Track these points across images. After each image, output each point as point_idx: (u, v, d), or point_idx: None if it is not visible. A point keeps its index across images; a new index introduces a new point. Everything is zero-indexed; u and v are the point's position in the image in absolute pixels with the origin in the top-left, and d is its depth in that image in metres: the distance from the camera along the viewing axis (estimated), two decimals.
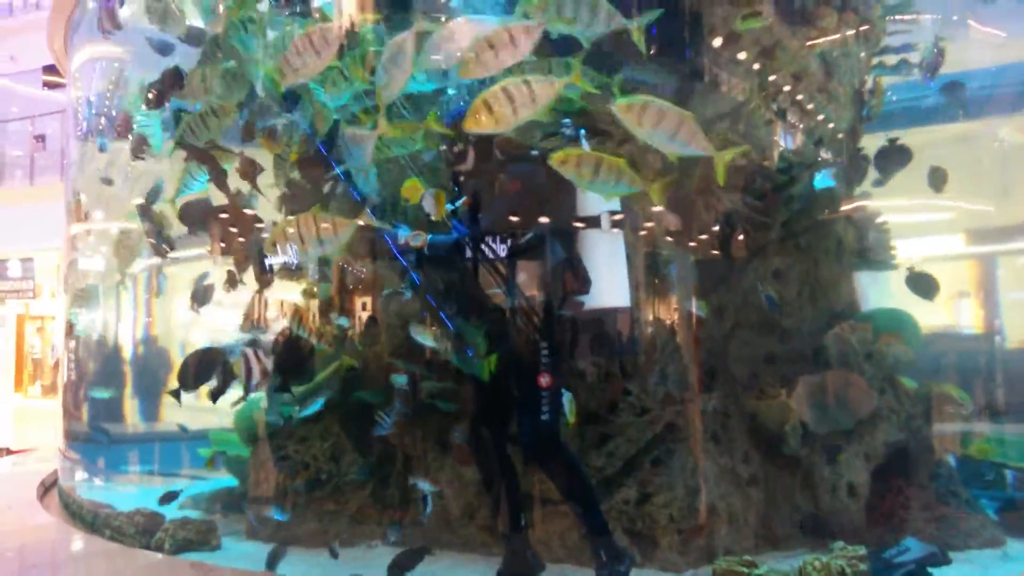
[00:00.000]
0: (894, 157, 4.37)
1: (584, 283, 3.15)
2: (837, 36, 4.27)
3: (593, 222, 3.15)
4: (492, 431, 3.27)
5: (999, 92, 4.76)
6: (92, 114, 5.43)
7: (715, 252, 4.07)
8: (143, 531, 3.85)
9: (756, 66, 4.14)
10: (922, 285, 4.15)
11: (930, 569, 3.04)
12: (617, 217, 3.19)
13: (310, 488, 3.89)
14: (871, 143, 4.52)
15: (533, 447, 3.17)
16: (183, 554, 3.65)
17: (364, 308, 4.25)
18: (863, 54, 4.45)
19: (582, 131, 3.36)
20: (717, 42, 4.08)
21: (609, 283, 3.19)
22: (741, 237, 4.00)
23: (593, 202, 3.17)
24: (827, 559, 2.91)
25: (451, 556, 3.59)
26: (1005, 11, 4.71)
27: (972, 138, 4.82)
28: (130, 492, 4.44)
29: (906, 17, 4.64)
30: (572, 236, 3.21)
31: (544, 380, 3.06)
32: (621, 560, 3.06)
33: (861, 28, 4.31)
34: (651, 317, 3.84)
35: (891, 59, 4.53)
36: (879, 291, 4.37)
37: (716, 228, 4.03)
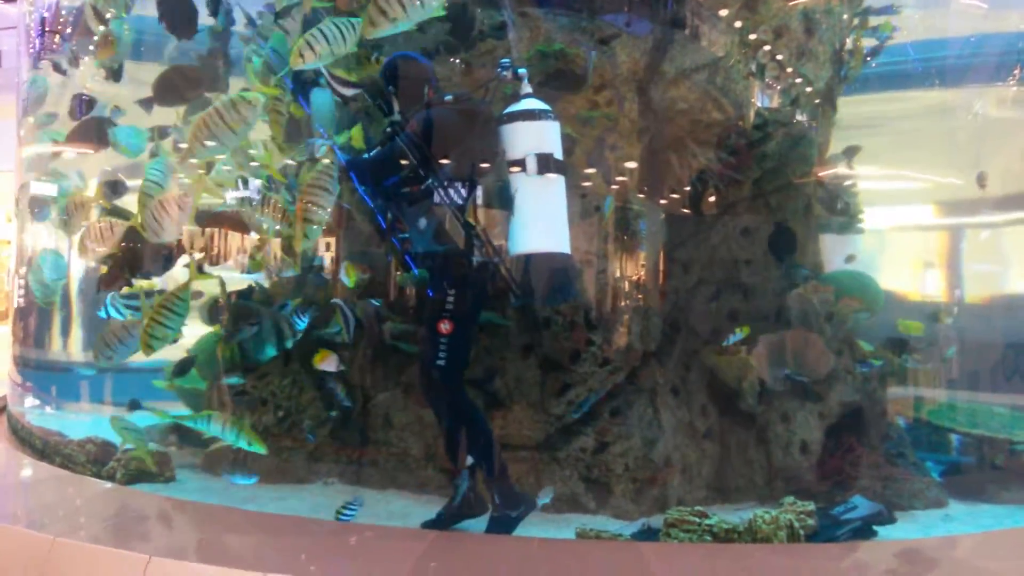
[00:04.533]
0: None
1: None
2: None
3: (518, 165, 3.11)
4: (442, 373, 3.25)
5: (977, 62, 4.76)
6: (45, 32, 5.19)
7: (685, 208, 4.07)
8: (94, 460, 3.80)
9: (737, 21, 4.08)
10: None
11: (875, 527, 3.11)
12: (549, 159, 3.11)
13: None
14: (846, 106, 4.52)
15: (427, 391, 3.21)
16: (135, 485, 3.61)
17: (328, 248, 4.19)
18: (845, 15, 4.41)
19: (521, 71, 3.29)
20: None
21: (537, 228, 3.14)
22: (712, 196, 3.99)
23: (521, 144, 3.13)
24: (777, 513, 2.96)
25: (408, 496, 3.60)
26: None
27: (947, 109, 4.83)
28: (82, 421, 4.36)
29: None
30: (480, 182, 3.21)
31: (444, 326, 3.05)
32: (516, 505, 3.09)
33: None
34: (616, 270, 3.84)
35: (872, 21, 4.50)
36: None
37: (689, 184, 4.03)
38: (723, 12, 4.07)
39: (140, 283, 4.08)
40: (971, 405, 4.06)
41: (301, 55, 3.07)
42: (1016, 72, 4.68)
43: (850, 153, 4.40)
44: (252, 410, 3.87)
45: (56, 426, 4.29)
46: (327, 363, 3.54)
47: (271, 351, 3.89)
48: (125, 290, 4.03)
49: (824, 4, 4.16)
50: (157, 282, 4.13)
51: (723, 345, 3.77)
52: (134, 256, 4.11)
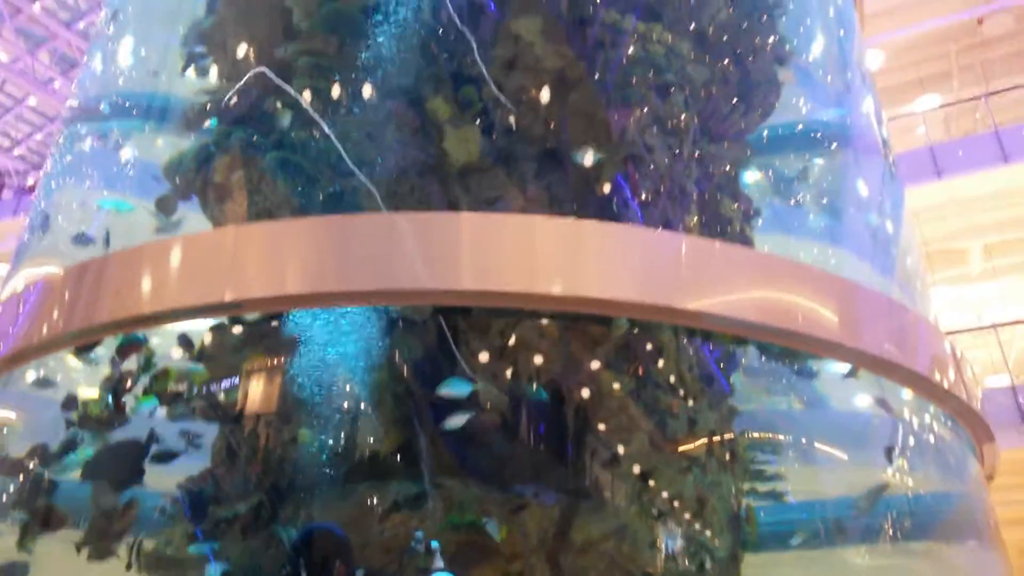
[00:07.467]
0: None
1: None
2: (706, 465, 4.62)
3: None
4: None
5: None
6: None
7: None
8: None
9: (638, 488, 4.36)
10: None
11: None
12: None
13: None
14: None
15: None
16: None
17: None
18: (733, 480, 4.78)
19: (435, 543, 3.39)
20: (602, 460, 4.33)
21: None
22: None
23: None
24: None
25: None
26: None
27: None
28: None
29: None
30: None
31: None
32: None
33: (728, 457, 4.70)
34: None
35: (763, 487, 4.87)
36: None
37: None
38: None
39: None
40: None
41: None
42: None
43: None
44: None
45: None
46: None
47: None
48: None
49: (710, 475, 4.52)
50: None
51: None
52: None
